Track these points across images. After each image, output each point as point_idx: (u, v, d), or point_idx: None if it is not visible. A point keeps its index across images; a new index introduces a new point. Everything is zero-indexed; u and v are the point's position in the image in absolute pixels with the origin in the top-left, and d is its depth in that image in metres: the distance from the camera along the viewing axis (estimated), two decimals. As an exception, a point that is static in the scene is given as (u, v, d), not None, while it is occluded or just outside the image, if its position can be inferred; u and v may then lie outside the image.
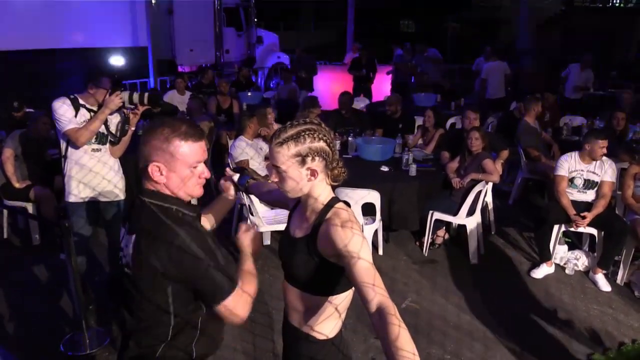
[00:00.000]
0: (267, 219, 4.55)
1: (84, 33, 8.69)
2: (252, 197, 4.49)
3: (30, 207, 4.85)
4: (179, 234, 1.51)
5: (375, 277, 1.43)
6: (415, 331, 3.53)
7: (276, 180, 1.62)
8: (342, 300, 1.68)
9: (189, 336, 1.68)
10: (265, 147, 5.24)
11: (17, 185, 4.84)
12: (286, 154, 1.55)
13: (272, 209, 4.74)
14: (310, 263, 1.61)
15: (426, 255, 4.66)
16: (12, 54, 7.78)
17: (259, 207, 4.55)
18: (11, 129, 5.35)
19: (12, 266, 4.47)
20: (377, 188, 4.28)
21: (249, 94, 8.96)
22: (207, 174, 1.65)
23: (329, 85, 10.91)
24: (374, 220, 4.35)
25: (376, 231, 4.53)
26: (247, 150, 4.97)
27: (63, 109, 3.57)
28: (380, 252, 4.66)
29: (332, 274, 1.60)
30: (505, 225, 5.27)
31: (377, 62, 10.40)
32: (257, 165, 5.00)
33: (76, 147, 3.54)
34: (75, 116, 3.65)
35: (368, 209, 4.32)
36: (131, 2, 9.54)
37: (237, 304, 1.58)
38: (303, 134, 1.55)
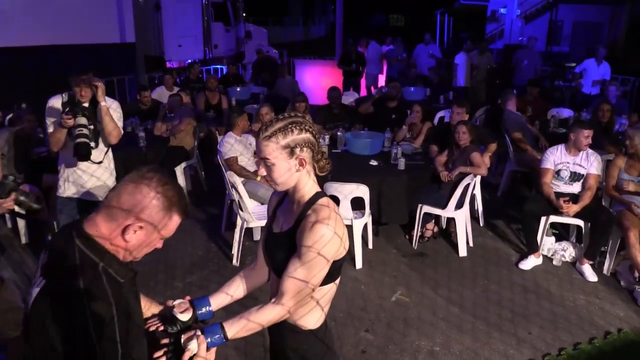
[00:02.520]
0: (257, 215, 4.55)
1: (73, 30, 8.62)
2: (242, 193, 4.50)
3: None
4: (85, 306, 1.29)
5: (302, 275, 1.60)
6: (405, 324, 3.56)
7: (264, 174, 1.64)
8: (325, 293, 1.73)
9: None
10: (254, 141, 5.24)
11: (4, 183, 4.80)
12: (275, 146, 1.59)
13: (262, 204, 4.76)
14: (292, 256, 1.64)
15: (415, 248, 4.69)
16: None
17: (249, 202, 4.55)
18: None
19: None
20: (366, 182, 4.29)
21: (238, 89, 8.94)
22: (160, 245, 1.50)
23: (319, 80, 10.91)
24: (363, 215, 4.37)
25: (366, 225, 4.55)
26: (236, 146, 4.96)
27: (51, 109, 3.58)
28: (370, 245, 4.68)
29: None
30: (494, 218, 5.31)
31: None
32: (247, 161, 5.01)
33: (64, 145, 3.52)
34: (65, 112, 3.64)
35: (357, 203, 4.33)
36: (117, -2, 9.49)
37: None
38: (290, 126, 1.60)
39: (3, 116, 5.81)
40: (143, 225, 1.38)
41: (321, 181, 4.30)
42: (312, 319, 1.74)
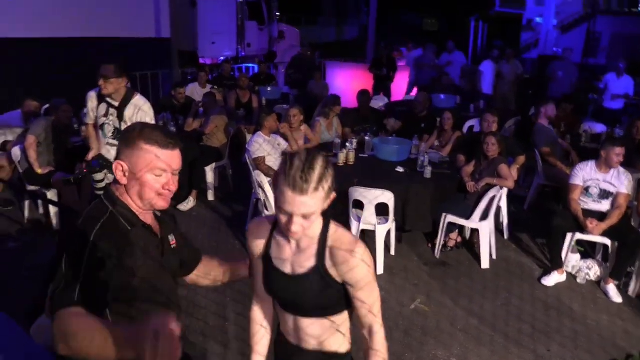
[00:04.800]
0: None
1: (109, 23, 8.81)
2: (268, 192, 4.56)
3: (50, 193, 4.97)
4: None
5: (376, 299, 1.67)
6: (423, 332, 3.57)
7: (299, 233, 1.52)
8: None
9: None
10: (283, 143, 5.30)
11: (39, 171, 4.97)
12: (323, 194, 1.48)
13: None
14: (329, 290, 1.63)
15: (438, 257, 4.68)
16: (34, 41, 7.94)
17: (273, 202, 4.61)
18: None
19: (30, 250, 4.60)
20: (391, 188, 4.31)
21: (269, 89, 9.03)
22: (172, 186, 1.57)
23: (349, 83, 10.92)
24: (387, 221, 4.39)
25: (389, 231, 4.57)
26: (265, 146, 5.03)
27: (87, 102, 3.75)
28: (393, 252, 4.69)
29: (344, 291, 1.67)
30: (519, 231, 5.26)
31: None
32: (274, 161, 5.06)
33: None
34: (98, 107, 3.79)
35: (382, 209, 4.35)
36: (155, -6, 9.66)
37: (71, 320, 1.38)
38: (327, 166, 1.50)
39: (40, 106, 5.98)
40: (122, 163, 1.54)
41: (347, 185, 4.36)
42: (348, 335, 1.79)
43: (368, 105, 6.53)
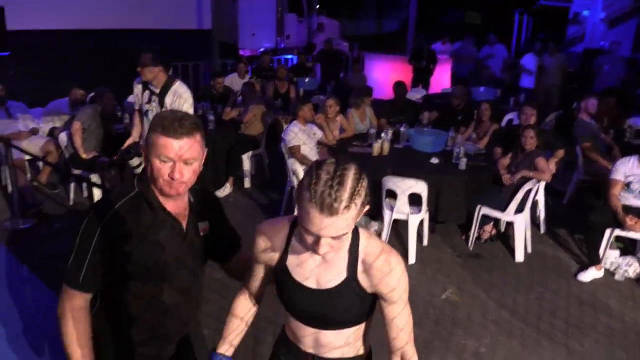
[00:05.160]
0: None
1: (153, 15, 9.03)
2: (301, 174, 4.61)
3: (94, 177, 5.17)
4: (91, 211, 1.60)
5: (409, 317, 1.55)
6: (453, 323, 3.57)
7: (328, 252, 1.35)
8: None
9: (115, 305, 1.67)
10: (318, 133, 5.35)
11: (84, 156, 5.18)
12: (355, 213, 1.30)
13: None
14: (361, 304, 1.52)
15: (471, 249, 4.65)
16: (81, 33, 8.22)
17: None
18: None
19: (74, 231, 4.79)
20: (425, 179, 4.30)
21: (307, 80, 9.09)
22: (177, 175, 1.51)
23: (388, 75, 10.88)
24: (420, 211, 4.38)
25: (422, 222, 4.56)
26: (300, 135, 5.09)
27: (134, 89, 3.94)
28: (426, 243, 4.68)
29: (374, 300, 1.56)
30: (557, 226, 5.16)
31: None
32: (309, 151, 5.12)
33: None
34: (142, 95, 3.95)
35: (415, 200, 4.35)
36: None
37: (67, 300, 1.59)
38: (359, 176, 1.31)
39: (86, 95, 6.20)
40: (144, 147, 1.58)
41: (381, 175, 4.37)
42: (367, 340, 1.69)
43: (404, 97, 6.51)
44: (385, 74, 10.96)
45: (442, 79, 10.96)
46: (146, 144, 1.54)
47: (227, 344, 1.71)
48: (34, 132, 5.90)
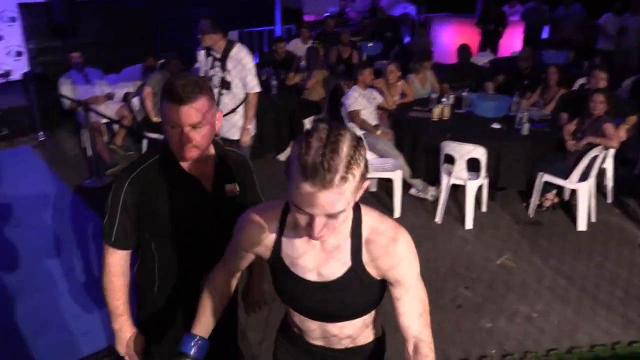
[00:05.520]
0: (374, 167, 4.72)
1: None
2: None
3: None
4: (122, 174, 1.69)
5: (424, 302, 1.36)
6: (506, 287, 3.58)
7: (325, 235, 1.18)
8: None
9: (150, 261, 1.79)
10: (378, 97, 5.36)
11: (155, 119, 5.48)
12: (353, 185, 1.11)
13: (380, 157, 4.92)
14: (369, 293, 1.39)
15: (532, 216, 4.57)
16: (151, 2, 8.51)
17: (367, 154, 4.73)
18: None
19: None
20: (485, 144, 4.25)
21: (370, 44, 9.00)
22: (186, 140, 1.53)
23: (455, 39, 10.57)
24: (478, 176, 4.35)
25: (481, 187, 4.53)
26: (360, 99, 5.12)
27: (197, 56, 4.12)
28: (484, 208, 4.65)
29: (383, 285, 1.41)
30: (625, 195, 4.95)
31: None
32: (369, 115, 5.15)
33: None
34: (206, 60, 4.14)
35: (474, 165, 4.32)
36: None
37: (106, 256, 1.72)
38: (355, 143, 1.13)
39: (157, 61, 6.49)
40: (161, 117, 1.61)
41: (440, 139, 4.35)
42: (379, 322, 1.57)
43: (468, 61, 6.36)
44: (452, 38, 10.65)
45: (512, 42, 10.50)
46: (160, 111, 1.59)
47: (203, 324, 1.49)
48: (110, 96, 6.28)
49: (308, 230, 1.18)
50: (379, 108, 5.39)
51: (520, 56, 6.17)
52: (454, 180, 4.42)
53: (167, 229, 1.70)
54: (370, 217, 1.33)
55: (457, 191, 4.78)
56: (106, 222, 1.68)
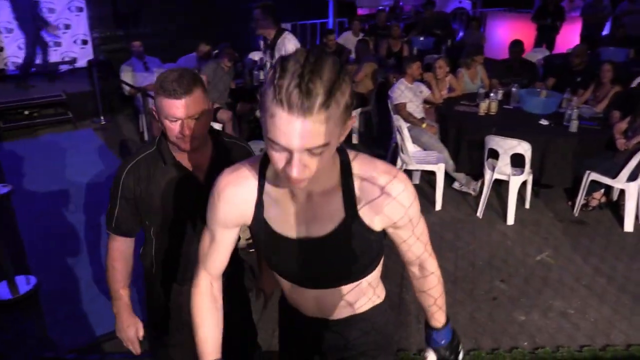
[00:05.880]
0: (417, 159, 4.78)
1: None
2: (405, 136, 4.74)
3: (216, 125, 5.70)
4: (126, 161, 1.76)
5: (427, 235, 1.32)
6: (543, 282, 3.58)
7: (304, 177, 1.01)
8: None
9: (150, 245, 1.88)
10: (425, 90, 5.40)
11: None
12: (337, 114, 0.96)
13: (424, 149, 4.97)
14: (368, 246, 1.24)
15: (576, 215, 4.52)
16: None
17: (410, 146, 4.80)
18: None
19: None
20: (531, 140, 4.22)
21: (421, 38, 8.98)
22: (187, 131, 1.58)
23: (509, 34, 10.37)
24: (522, 172, 4.34)
25: (525, 183, 4.51)
26: (406, 92, 5.17)
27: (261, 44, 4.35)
28: (527, 205, 4.63)
29: (382, 238, 1.29)
30: (679, 198, 4.80)
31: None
32: (415, 108, 5.19)
33: None
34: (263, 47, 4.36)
35: (519, 161, 4.31)
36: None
37: (108, 241, 1.82)
38: (338, 68, 0.97)
39: (211, 50, 6.74)
40: (153, 107, 1.65)
41: (485, 134, 4.36)
42: (380, 283, 1.47)
43: (519, 57, 6.26)
44: (506, 32, 10.46)
45: (570, 38, 10.20)
46: (155, 105, 1.62)
47: (210, 344, 1.33)
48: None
49: (286, 172, 1.01)
50: (426, 102, 5.42)
51: (574, 52, 6.03)
52: (497, 175, 4.42)
53: (161, 218, 1.79)
54: (360, 161, 1.18)
55: (501, 187, 4.78)
56: (108, 209, 1.80)
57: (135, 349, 1.91)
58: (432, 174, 4.77)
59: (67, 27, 8.17)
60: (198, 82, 1.59)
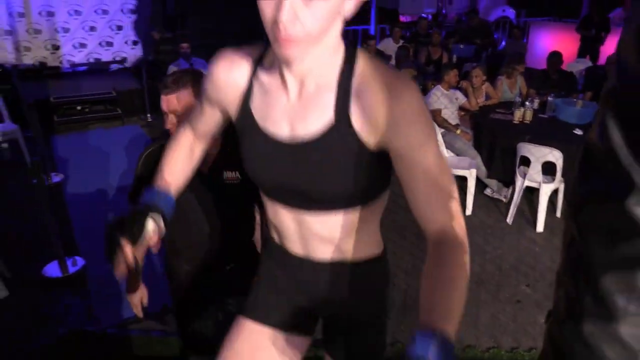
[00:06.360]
0: (451, 164, 4.83)
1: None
2: (439, 139, 4.82)
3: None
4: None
5: (451, 190, 1.01)
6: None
7: (296, 31, 0.89)
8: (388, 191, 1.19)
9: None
10: (461, 97, 5.48)
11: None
12: None
13: (457, 155, 5.05)
14: (362, 164, 1.03)
15: (608, 226, 4.51)
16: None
17: (444, 152, 4.89)
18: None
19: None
20: (563, 149, 4.26)
21: (461, 46, 9.03)
22: (169, 125, 1.70)
23: (552, 44, 10.29)
24: (553, 180, 4.37)
25: (556, 192, 4.54)
26: (442, 99, 5.27)
27: None
28: (558, 213, 4.65)
29: (384, 169, 1.08)
30: None
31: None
32: (450, 114, 5.28)
33: None
34: None
35: (552, 169, 4.34)
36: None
37: None
38: None
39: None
40: None
41: (518, 142, 4.40)
42: (379, 238, 1.28)
43: (558, 68, 6.26)
44: (548, 42, 10.37)
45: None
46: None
47: (170, 177, 1.30)
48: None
49: (275, 31, 0.89)
50: (461, 109, 5.50)
51: (609, 60, 6.01)
52: (528, 183, 4.47)
53: None
54: (367, 61, 1.02)
55: (533, 195, 4.81)
56: (129, 192, 1.92)
57: (138, 312, 2.00)
58: (464, 180, 4.85)
59: (120, 28, 8.60)
60: (188, 83, 1.67)
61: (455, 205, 1.00)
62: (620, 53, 0.76)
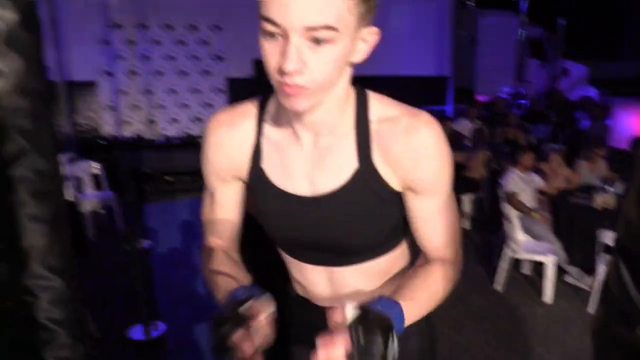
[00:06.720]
0: (527, 248, 4.78)
1: (394, 61, 9.94)
2: (515, 224, 4.79)
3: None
4: None
5: (456, 229, 1.08)
6: None
7: (303, 74, 0.82)
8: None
9: None
10: (537, 180, 5.43)
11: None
12: (346, 2, 0.80)
13: (536, 239, 4.95)
14: (384, 208, 1.01)
15: None
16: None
17: (520, 235, 4.83)
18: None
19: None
20: None
21: (540, 126, 8.97)
22: None
23: (635, 124, 9.99)
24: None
25: None
26: (518, 182, 5.24)
27: None
28: None
29: (402, 202, 1.05)
30: None
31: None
32: (527, 197, 5.23)
33: None
34: None
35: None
36: (438, 33, 10.47)
37: None
38: None
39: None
40: None
41: (598, 227, 4.27)
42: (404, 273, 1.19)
43: (643, 151, 6.08)
44: (630, 122, 10.08)
45: None
46: None
47: (237, 278, 1.07)
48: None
49: (280, 77, 0.82)
50: (540, 192, 5.44)
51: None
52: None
53: None
54: (380, 102, 1.01)
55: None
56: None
57: None
58: (542, 264, 4.73)
59: (211, 105, 9.31)
60: None
61: (457, 243, 1.08)
62: (624, 210, 0.98)
